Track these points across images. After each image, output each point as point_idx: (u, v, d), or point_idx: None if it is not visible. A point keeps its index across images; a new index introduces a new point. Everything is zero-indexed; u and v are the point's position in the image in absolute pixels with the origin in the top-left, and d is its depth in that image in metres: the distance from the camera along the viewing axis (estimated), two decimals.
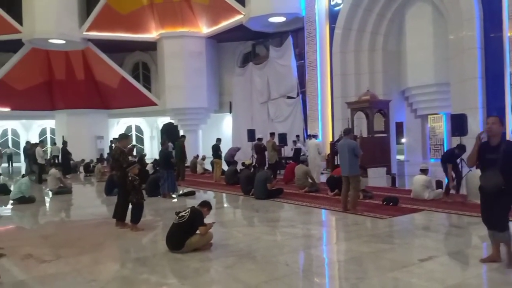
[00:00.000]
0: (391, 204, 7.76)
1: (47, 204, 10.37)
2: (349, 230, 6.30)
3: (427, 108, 17.42)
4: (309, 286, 4.05)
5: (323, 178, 12.14)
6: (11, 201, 9.82)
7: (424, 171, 8.49)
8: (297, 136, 16.88)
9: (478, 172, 7.47)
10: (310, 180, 10.33)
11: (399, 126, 18.05)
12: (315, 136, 14.41)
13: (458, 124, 11.53)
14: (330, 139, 17.36)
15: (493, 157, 4.03)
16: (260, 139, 14.44)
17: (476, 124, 13.75)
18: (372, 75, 17.81)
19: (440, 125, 17.44)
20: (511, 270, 4.12)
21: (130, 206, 6.63)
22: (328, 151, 15.79)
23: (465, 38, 13.96)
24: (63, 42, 23.33)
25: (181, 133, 26.71)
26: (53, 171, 12.00)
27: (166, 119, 27.74)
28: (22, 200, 9.74)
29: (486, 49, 13.78)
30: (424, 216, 6.93)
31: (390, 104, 14.78)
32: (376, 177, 12.29)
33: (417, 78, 16.73)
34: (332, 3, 18.30)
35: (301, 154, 13.82)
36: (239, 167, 12.37)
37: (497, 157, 3.99)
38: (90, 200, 11.22)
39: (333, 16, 18.26)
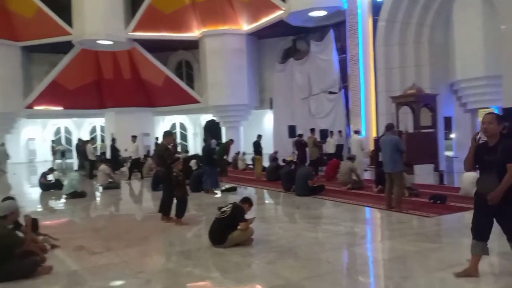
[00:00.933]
0: (438, 202, 7.48)
1: (97, 199, 10.88)
2: (393, 228, 6.15)
3: (477, 102, 16.55)
4: (351, 284, 4.00)
5: (367, 175, 11.90)
6: (64, 196, 10.39)
7: None
8: (340, 131, 16.59)
9: None
10: (354, 177, 10.14)
11: (448, 121, 17.28)
12: (357, 132, 14.12)
13: (510, 118, 10.92)
14: (374, 134, 16.95)
15: (490, 159, 3.66)
16: (300, 135, 14.37)
17: None
18: (418, 68, 17.18)
19: None
20: None
21: (175, 201, 6.84)
22: (371, 147, 15.44)
23: None
24: (111, 42, 24.26)
25: (223, 130, 27.12)
26: (102, 167, 12.57)
27: (209, 116, 28.19)
28: (75, 195, 10.29)
29: None
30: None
31: (438, 98, 14.22)
32: (423, 174, 11.86)
33: (466, 71, 15.94)
34: None
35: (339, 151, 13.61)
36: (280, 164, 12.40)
37: (494, 159, 3.63)
38: (137, 195, 11.66)
39: (376, 8, 17.77)
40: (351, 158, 10.70)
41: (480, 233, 3.78)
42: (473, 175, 7.87)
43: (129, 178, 14.56)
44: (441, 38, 17.22)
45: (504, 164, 3.58)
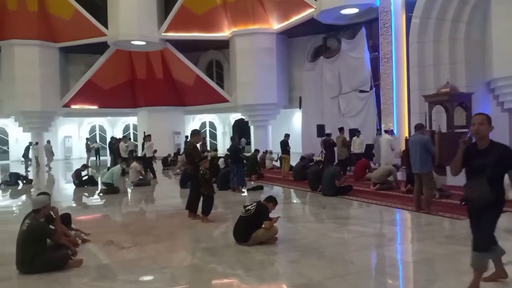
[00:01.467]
0: None
1: (129, 195, 11.19)
2: (422, 230, 6.01)
3: None
4: (374, 285, 3.95)
5: (398, 176, 11.63)
6: (100, 187, 10.71)
7: None
8: (358, 131, 15.85)
9: None
10: (391, 179, 9.89)
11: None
12: (387, 132, 13.81)
13: None
14: (406, 134, 16.55)
15: (481, 163, 3.38)
16: (328, 135, 14.20)
17: None
18: (453, 66, 16.62)
19: None
20: None
21: (202, 198, 6.94)
22: (403, 147, 15.07)
23: None
24: (144, 43, 24.86)
25: (252, 129, 27.22)
26: (134, 164, 12.91)
27: (238, 115, 28.38)
28: (109, 190, 10.66)
29: None
30: (507, 218, 6.37)
31: (473, 96, 13.71)
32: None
33: (505, 68, 15.27)
34: None
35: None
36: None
37: (485, 163, 3.34)
38: (166, 192, 11.91)
39: (410, 5, 17.32)
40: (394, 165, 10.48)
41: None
42: (506, 177, 7.47)
43: (154, 177, 14.61)
44: (478, 34, 16.58)
45: (499, 171, 3.37)
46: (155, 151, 16.23)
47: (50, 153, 22.06)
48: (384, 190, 9.53)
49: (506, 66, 15.21)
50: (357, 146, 14.29)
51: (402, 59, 17.77)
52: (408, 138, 14.74)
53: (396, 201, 8.15)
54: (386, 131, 13.80)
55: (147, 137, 15.70)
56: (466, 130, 12.75)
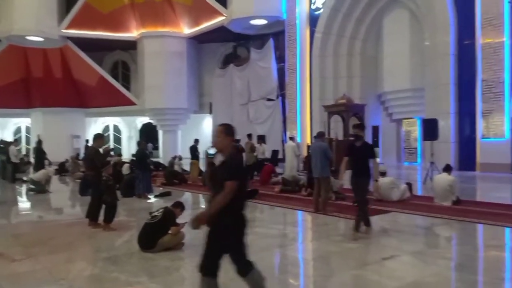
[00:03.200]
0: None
1: (20, 204, 10.22)
2: (318, 230, 6.48)
3: (402, 113, 17.86)
4: (274, 283, 4.18)
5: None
6: None
7: (383, 174, 8.56)
8: (262, 139, 16.34)
9: (444, 175, 7.75)
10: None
11: (375, 130, 18.44)
12: (292, 139, 14.57)
13: (430, 128, 11.93)
14: (308, 141, 17.60)
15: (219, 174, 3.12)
16: (237, 141, 14.48)
17: (447, 129, 14.22)
18: (350, 79, 18.18)
19: (415, 129, 17.92)
20: (468, 268, 4.36)
21: (104, 206, 6.65)
22: (305, 153, 16.01)
23: (440, 44, 14.42)
24: (41, 39, 22.98)
25: (160, 133, 26.59)
26: (47, 170, 12.06)
27: (145, 119, 27.56)
28: None
29: (459, 56, 14.26)
30: (391, 217, 7.17)
31: (366, 108, 15.12)
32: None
33: (393, 83, 17.15)
34: (313, 7, 18.59)
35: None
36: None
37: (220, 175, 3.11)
38: (64, 200, 11.11)
39: (313, 20, 18.55)
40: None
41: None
42: (388, 180, 8.39)
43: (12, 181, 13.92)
44: (372, 51, 18.38)
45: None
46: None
47: None
48: (287, 193, 10.01)
49: (395, 81, 17.08)
50: (260, 153, 14.80)
51: (305, 70, 18.93)
52: (309, 145, 15.71)
53: (298, 203, 8.65)
54: (291, 138, 14.55)
55: (13, 142, 14.69)
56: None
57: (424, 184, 11.30)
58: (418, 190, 10.43)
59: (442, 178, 7.92)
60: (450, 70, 14.20)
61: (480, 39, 13.62)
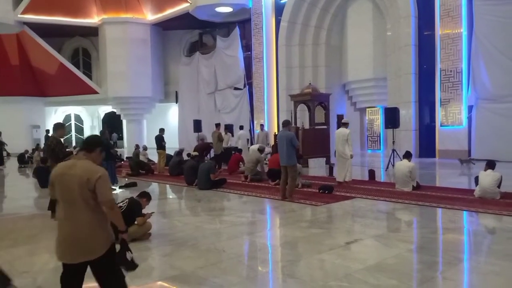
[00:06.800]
0: (326, 192, 8.18)
1: None
2: (285, 217, 6.60)
3: (365, 102, 18.31)
4: (243, 269, 4.25)
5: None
6: None
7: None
8: (228, 129, 16.53)
9: (404, 162, 8.07)
10: (259, 169, 10.54)
11: (340, 119, 18.76)
12: (262, 127, 14.69)
13: (391, 117, 12.33)
14: (275, 130, 17.75)
15: None
16: (202, 140, 14.46)
17: (409, 117, 14.74)
18: (315, 68, 18.39)
19: (377, 118, 18.43)
20: (427, 250, 4.59)
21: None
22: (272, 142, 16.14)
23: (401, 35, 14.84)
24: None
25: (124, 123, 26.02)
26: None
27: (108, 108, 26.84)
28: None
29: (420, 46, 14.76)
30: (356, 203, 7.40)
31: (331, 97, 15.36)
32: (316, 167, 12.81)
33: (357, 73, 17.51)
34: None
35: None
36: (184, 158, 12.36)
37: None
38: (24, 192, 10.72)
39: (279, 9, 18.57)
40: (261, 150, 11.06)
41: None
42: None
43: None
44: (337, 41, 18.63)
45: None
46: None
47: None
48: (255, 182, 10.12)
49: (358, 71, 17.43)
50: (225, 142, 14.79)
51: (272, 60, 18.99)
52: (276, 133, 15.85)
53: (265, 191, 8.75)
54: (261, 126, 14.64)
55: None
56: (325, 127, 14.28)
57: (386, 171, 11.71)
58: (382, 177, 10.81)
59: (402, 165, 8.25)
60: (411, 60, 14.66)
61: (439, 30, 14.14)
